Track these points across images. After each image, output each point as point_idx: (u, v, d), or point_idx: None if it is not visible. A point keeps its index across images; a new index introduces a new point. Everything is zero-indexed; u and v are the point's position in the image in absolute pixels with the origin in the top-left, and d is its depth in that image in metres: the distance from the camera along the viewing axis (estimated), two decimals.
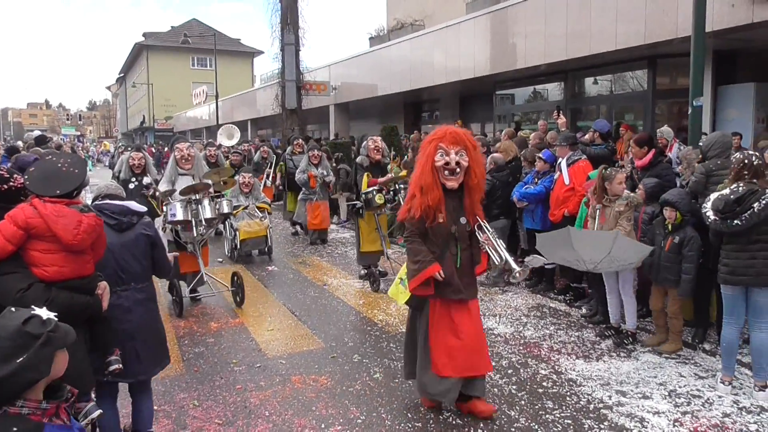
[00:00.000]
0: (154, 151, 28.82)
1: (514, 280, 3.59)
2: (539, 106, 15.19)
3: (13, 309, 2.15)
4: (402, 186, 7.60)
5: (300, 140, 12.64)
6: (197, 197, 6.66)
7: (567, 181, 6.65)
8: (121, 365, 3.32)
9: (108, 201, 3.72)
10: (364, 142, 8.27)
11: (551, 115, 14.37)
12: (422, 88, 16.87)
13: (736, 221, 4.31)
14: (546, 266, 7.44)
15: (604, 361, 5.23)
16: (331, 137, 20.71)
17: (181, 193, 6.63)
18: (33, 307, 2.16)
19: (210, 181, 7.02)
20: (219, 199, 7.07)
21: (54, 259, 2.92)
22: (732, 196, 4.34)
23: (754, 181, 4.37)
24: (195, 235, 6.72)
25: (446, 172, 3.67)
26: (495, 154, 7.95)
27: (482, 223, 3.76)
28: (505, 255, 3.59)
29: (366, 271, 8.08)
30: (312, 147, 11.24)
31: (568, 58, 11.63)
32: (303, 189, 10.75)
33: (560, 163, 6.89)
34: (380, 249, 7.93)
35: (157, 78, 51.86)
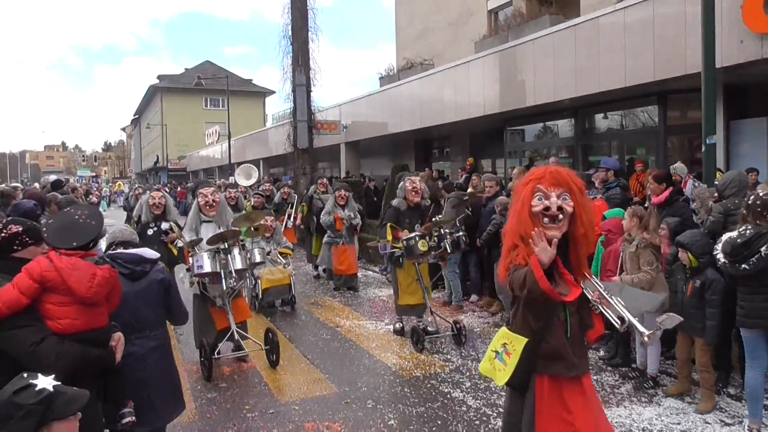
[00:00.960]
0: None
1: (642, 345, 2.88)
2: (550, 142, 15.22)
3: (25, 375, 2.16)
4: (448, 231, 6.88)
5: (324, 179, 12.06)
6: (226, 246, 6.06)
7: None
8: (134, 417, 3.30)
9: (121, 250, 3.74)
10: (401, 183, 7.45)
11: (562, 151, 14.46)
12: (432, 126, 16.98)
13: (743, 265, 4.26)
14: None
15: (624, 407, 5.08)
16: (342, 175, 20.82)
17: (209, 242, 6.04)
18: (38, 375, 2.16)
19: (239, 228, 6.38)
20: (250, 247, 6.40)
21: (67, 312, 2.92)
22: (739, 240, 4.29)
23: (758, 222, 4.30)
24: (224, 288, 6.03)
25: (546, 220, 2.97)
26: (501, 198, 7.91)
27: (591, 280, 3.08)
28: (628, 315, 2.94)
29: (401, 325, 7.32)
30: (338, 186, 10.50)
31: (578, 95, 11.67)
32: (328, 232, 10.25)
33: None
34: (422, 302, 7.12)
35: (171, 119, 52.65)
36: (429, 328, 7.11)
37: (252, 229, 6.69)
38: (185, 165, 51.55)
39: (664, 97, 11.33)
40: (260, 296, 8.67)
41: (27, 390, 2.10)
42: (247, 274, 6.52)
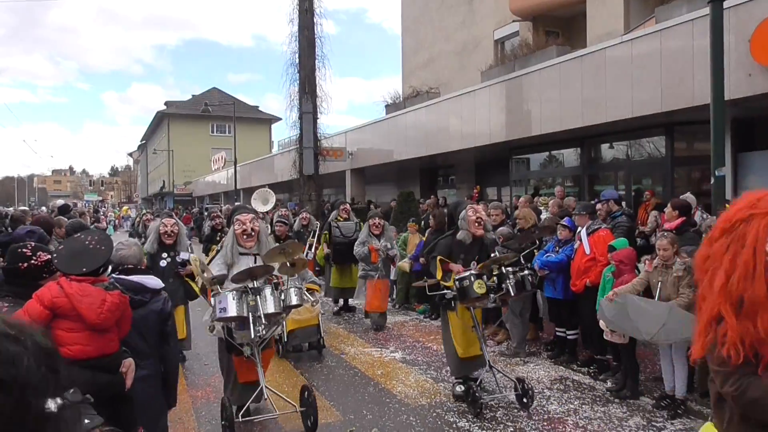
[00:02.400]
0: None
1: None
2: (556, 171, 15.26)
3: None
4: (510, 270, 5.81)
5: (347, 205, 11.05)
6: (255, 285, 5.05)
7: (588, 251, 6.57)
8: None
9: (123, 276, 3.72)
10: (462, 212, 6.19)
11: (567, 180, 14.48)
12: (438, 154, 17.04)
13: None
14: (569, 337, 7.28)
15: None
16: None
17: (234, 279, 5.07)
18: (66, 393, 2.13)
19: (273, 264, 5.32)
20: (286, 287, 5.29)
21: (78, 338, 2.92)
22: None
23: None
24: (253, 336, 4.93)
25: None
26: (501, 228, 7.87)
27: None
28: None
29: (464, 387, 5.99)
30: (373, 214, 9.68)
31: (584, 125, 11.72)
32: (362, 264, 9.42)
33: (580, 232, 6.83)
34: (479, 353, 6.02)
35: (178, 145, 53.07)
36: (487, 387, 6.24)
37: (288, 264, 5.49)
38: (191, 190, 51.84)
39: (671, 129, 11.38)
40: (285, 339, 7.40)
41: None
42: (282, 319, 5.50)
